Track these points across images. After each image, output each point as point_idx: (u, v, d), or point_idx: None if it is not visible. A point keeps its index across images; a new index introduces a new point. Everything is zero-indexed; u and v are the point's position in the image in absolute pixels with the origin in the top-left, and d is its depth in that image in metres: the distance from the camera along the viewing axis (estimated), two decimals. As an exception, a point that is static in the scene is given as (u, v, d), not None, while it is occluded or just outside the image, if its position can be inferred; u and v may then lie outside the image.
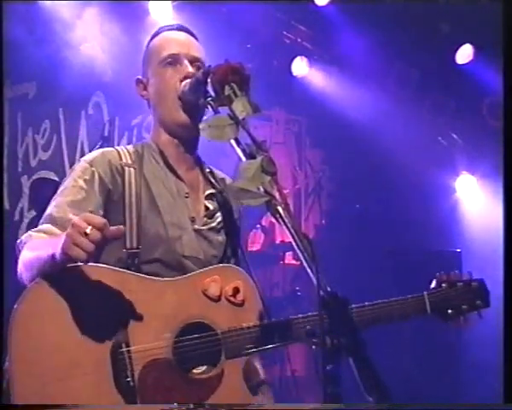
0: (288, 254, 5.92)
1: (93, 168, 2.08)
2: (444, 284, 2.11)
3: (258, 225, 5.83)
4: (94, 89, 5.39)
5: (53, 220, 2.00)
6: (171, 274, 2.01)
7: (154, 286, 1.94)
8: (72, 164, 5.26)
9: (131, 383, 1.82)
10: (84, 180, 2.06)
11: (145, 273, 1.99)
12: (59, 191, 2.09)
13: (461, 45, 6.06)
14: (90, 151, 5.31)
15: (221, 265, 2.07)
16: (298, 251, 1.48)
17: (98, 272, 1.88)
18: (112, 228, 1.70)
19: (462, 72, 6.15)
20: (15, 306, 1.83)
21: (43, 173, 5.14)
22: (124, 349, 1.84)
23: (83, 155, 5.33)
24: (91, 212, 1.99)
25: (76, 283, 1.85)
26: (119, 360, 1.83)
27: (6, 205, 4.69)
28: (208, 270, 2.00)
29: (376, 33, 5.78)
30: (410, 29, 5.86)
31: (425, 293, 2.08)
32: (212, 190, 2.22)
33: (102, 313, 1.84)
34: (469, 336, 5.52)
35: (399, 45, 6.11)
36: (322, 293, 1.38)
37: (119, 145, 5.93)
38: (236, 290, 1.95)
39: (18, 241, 1.99)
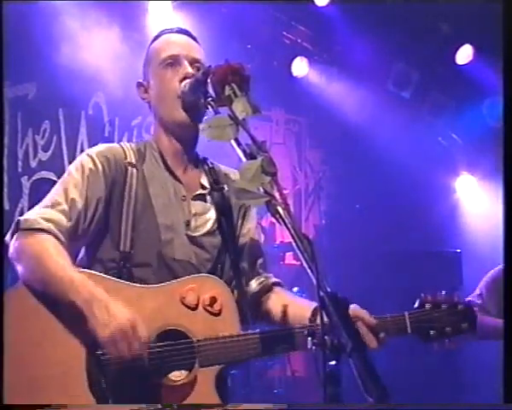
0: (289, 255, 5.91)
1: (97, 161, 2.08)
2: (427, 305, 2.04)
3: (258, 225, 5.83)
4: (94, 89, 5.39)
5: (57, 206, 2.00)
6: (161, 279, 2.01)
7: (133, 292, 1.95)
8: (72, 164, 5.26)
9: (103, 385, 1.84)
10: (89, 169, 2.06)
11: (136, 277, 2.00)
12: (62, 178, 2.09)
13: (461, 45, 6.07)
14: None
15: (200, 275, 2.06)
16: (298, 251, 1.48)
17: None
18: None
19: (462, 72, 6.16)
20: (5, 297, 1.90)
21: (44, 174, 5.14)
22: (99, 352, 1.85)
23: (83, 155, 5.35)
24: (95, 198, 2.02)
25: None
26: (94, 363, 1.85)
27: (6, 205, 4.69)
28: (187, 279, 2.00)
29: (376, 34, 5.78)
30: (410, 29, 5.86)
31: (406, 313, 2.02)
32: (200, 191, 2.19)
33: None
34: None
35: (399, 45, 6.12)
36: (321, 293, 1.38)
37: (119, 145, 5.87)
38: (214, 300, 1.95)
39: (22, 219, 1.97)
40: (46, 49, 4.80)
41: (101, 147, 2.17)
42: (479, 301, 3.68)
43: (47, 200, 2.04)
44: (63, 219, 1.98)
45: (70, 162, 5.49)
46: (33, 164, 5.12)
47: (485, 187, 6.69)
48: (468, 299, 3.68)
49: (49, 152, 5.23)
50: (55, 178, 5.16)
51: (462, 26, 5.81)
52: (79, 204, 2.01)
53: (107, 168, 2.07)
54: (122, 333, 1.77)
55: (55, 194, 2.04)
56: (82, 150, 5.37)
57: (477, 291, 3.83)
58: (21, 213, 4.89)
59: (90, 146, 5.68)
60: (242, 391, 4.50)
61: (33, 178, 5.08)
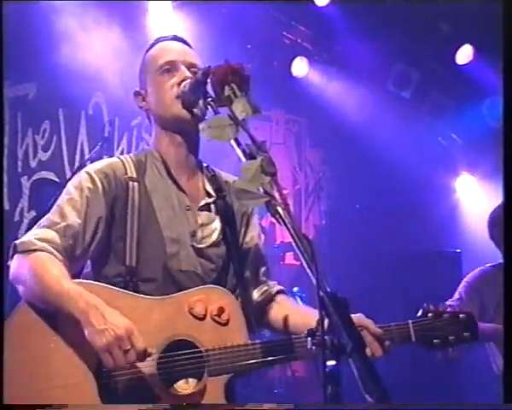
0: (289, 255, 5.92)
1: (97, 179, 2.06)
2: (430, 314, 2.09)
3: (261, 232, 5.83)
4: (94, 89, 5.39)
5: (53, 226, 1.99)
6: (167, 290, 2.01)
7: (142, 303, 1.96)
8: (72, 164, 5.26)
9: (115, 392, 1.84)
10: (89, 188, 2.04)
11: (142, 292, 2.00)
12: (61, 198, 2.07)
13: (461, 45, 6.07)
14: (90, 152, 5.32)
15: (208, 286, 2.07)
16: (298, 251, 1.48)
17: (86, 288, 1.89)
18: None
19: (462, 72, 6.16)
20: (8, 319, 1.90)
21: (44, 174, 5.13)
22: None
23: (83, 155, 5.35)
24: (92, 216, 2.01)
25: None
26: (105, 372, 1.84)
27: (6, 205, 4.68)
28: (195, 290, 2.02)
29: (376, 34, 5.79)
30: (410, 29, 5.86)
31: (410, 322, 2.06)
32: (206, 200, 2.19)
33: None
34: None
35: (399, 45, 6.12)
36: (321, 293, 1.38)
37: (119, 145, 5.88)
38: (221, 310, 1.97)
39: (18, 242, 1.97)
40: (46, 49, 4.80)
41: (101, 164, 2.14)
42: (459, 306, 3.68)
43: (44, 220, 2.03)
44: (58, 238, 1.97)
45: (70, 162, 5.51)
46: (33, 164, 5.12)
47: (485, 187, 6.69)
48: (448, 303, 3.69)
49: (49, 152, 5.23)
50: (54, 179, 5.16)
51: (462, 26, 5.82)
52: (77, 224, 2.00)
53: (106, 186, 2.06)
54: (118, 341, 1.75)
55: (52, 214, 2.03)
56: (82, 150, 5.38)
57: (456, 295, 3.83)
58: (21, 213, 4.90)
59: (90, 146, 5.70)
60: (243, 391, 4.49)
61: (33, 178, 5.08)
